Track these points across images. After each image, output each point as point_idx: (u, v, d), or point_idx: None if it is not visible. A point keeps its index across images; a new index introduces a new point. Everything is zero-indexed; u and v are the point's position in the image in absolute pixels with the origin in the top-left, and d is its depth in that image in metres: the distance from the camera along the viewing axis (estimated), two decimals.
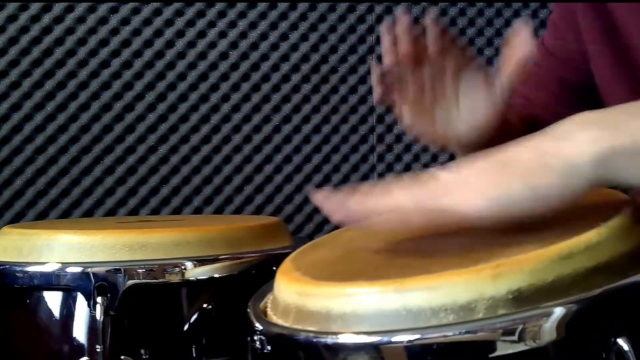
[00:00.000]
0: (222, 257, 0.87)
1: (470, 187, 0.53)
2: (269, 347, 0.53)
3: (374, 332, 0.47)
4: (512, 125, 0.94)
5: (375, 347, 0.46)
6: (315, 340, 0.49)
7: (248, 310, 0.58)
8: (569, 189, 0.51)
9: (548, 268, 0.47)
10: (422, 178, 0.57)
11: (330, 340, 0.48)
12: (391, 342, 0.46)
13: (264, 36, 1.44)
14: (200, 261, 0.85)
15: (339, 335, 0.48)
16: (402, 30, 0.78)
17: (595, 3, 0.88)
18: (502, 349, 0.45)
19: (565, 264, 0.47)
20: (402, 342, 0.46)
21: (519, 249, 0.49)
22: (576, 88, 0.97)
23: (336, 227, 1.55)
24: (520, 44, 0.73)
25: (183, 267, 0.84)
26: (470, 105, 0.81)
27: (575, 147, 0.50)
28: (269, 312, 0.57)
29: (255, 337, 0.54)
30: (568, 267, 0.47)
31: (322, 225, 1.48)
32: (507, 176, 0.52)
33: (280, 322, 0.54)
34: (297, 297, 0.53)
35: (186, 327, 0.84)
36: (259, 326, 0.54)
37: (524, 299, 0.46)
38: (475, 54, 0.84)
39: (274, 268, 0.88)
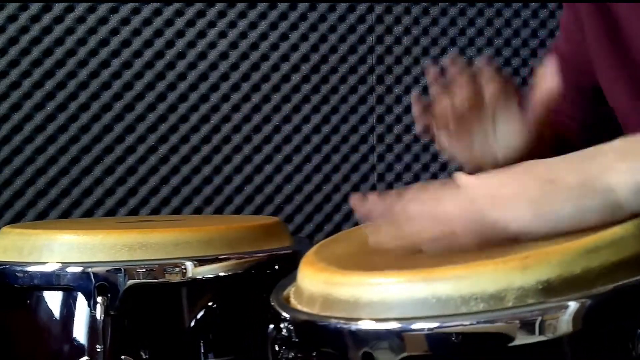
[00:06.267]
0: (222, 257, 0.87)
1: (518, 201, 0.55)
2: (295, 335, 0.54)
3: (397, 318, 0.48)
4: (544, 138, 0.95)
5: (397, 334, 0.48)
6: (344, 326, 0.50)
7: (272, 301, 0.59)
8: (610, 215, 0.54)
9: (576, 260, 0.48)
10: (465, 188, 0.58)
11: (358, 326, 0.49)
12: (412, 330, 0.47)
13: (264, 36, 1.44)
14: (200, 261, 0.85)
15: (364, 322, 0.49)
16: (457, 76, 0.81)
17: (599, 4, 0.88)
18: (521, 339, 0.46)
19: (592, 257, 0.49)
20: (422, 329, 0.47)
21: (546, 242, 0.51)
22: (589, 93, 0.97)
23: (336, 228, 1.55)
24: (545, 77, 0.78)
25: (183, 267, 0.84)
26: (507, 130, 0.84)
27: (616, 178, 0.53)
28: (293, 301, 0.58)
29: (282, 326, 0.55)
30: (595, 260, 0.49)
31: (322, 225, 1.48)
32: (556, 195, 0.54)
33: (306, 310, 0.54)
34: (323, 286, 0.54)
35: (186, 326, 0.85)
36: (285, 314, 0.55)
37: (553, 289, 0.47)
38: (511, 78, 0.88)
39: (276, 267, 0.89)
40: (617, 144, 0.56)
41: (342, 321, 0.50)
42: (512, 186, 0.56)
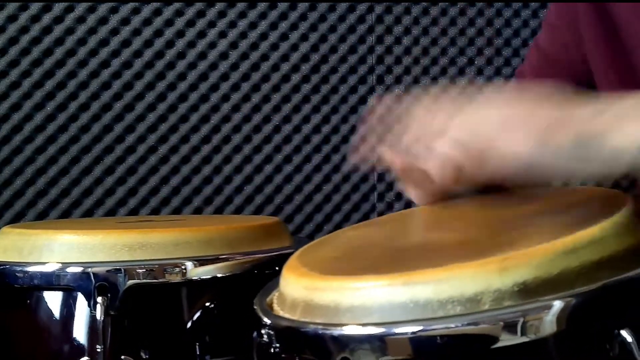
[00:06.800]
0: (222, 257, 0.87)
1: (526, 130, 0.55)
2: (276, 341, 0.53)
3: (379, 323, 0.48)
4: None
5: (380, 339, 0.47)
6: (324, 331, 0.49)
7: (254, 306, 0.59)
8: (611, 168, 0.55)
9: (554, 261, 0.48)
10: (475, 111, 0.58)
11: (338, 331, 0.49)
12: (395, 334, 0.47)
13: (264, 36, 1.44)
14: (200, 261, 0.85)
15: (345, 327, 0.49)
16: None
17: (597, 4, 0.88)
18: (505, 340, 0.46)
19: (570, 257, 0.49)
20: (406, 333, 0.47)
21: (525, 243, 0.51)
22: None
23: (336, 228, 1.56)
24: None
25: (183, 267, 0.83)
26: None
27: (624, 137, 0.54)
28: (276, 307, 0.58)
29: (263, 331, 0.55)
30: (573, 261, 0.49)
31: (322, 225, 1.48)
32: (564, 131, 0.54)
33: (287, 316, 0.54)
34: (305, 291, 0.54)
35: (186, 327, 0.85)
36: (266, 320, 0.55)
37: (529, 291, 0.47)
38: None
39: (276, 268, 0.89)
40: (627, 102, 0.56)
41: (321, 327, 0.50)
42: (521, 113, 0.56)
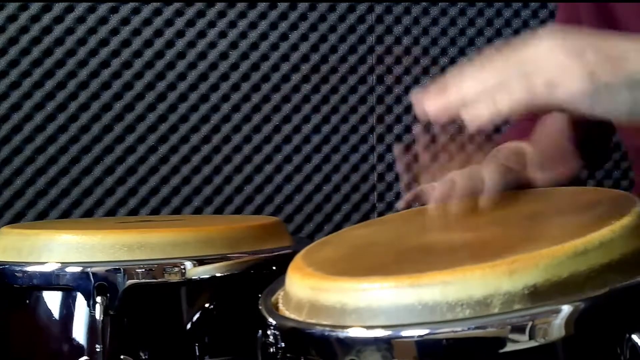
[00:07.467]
0: (222, 257, 0.87)
1: (581, 73, 0.54)
2: (282, 341, 0.53)
3: (386, 326, 0.47)
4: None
5: (386, 342, 0.47)
6: (331, 333, 0.49)
7: (259, 306, 0.58)
8: None
9: (563, 264, 0.48)
10: (530, 50, 0.57)
11: (344, 333, 0.49)
12: (402, 337, 0.47)
13: (264, 36, 1.44)
14: (199, 261, 0.85)
15: (351, 329, 0.48)
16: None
17: (599, 4, 0.87)
18: (513, 344, 0.45)
19: (580, 260, 0.48)
20: (412, 336, 0.47)
21: (534, 245, 0.50)
22: None
23: (336, 228, 1.55)
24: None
25: (182, 267, 0.84)
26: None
27: None
28: (281, 307, 0.58)
29: (268, 332, 0.54)
30: (583, 264, 0.48)
31: (322, 225, 1.48)
32: (620, 78, 0.54)
33: (293, 316, 0.54)
34: (310, 292, 0.53)
35: (186, 326, 0.84)
36: (272, 321, 0.55)
37: (539, 294, 0.47)
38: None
39: (276, 268, 0.89)
40: None
41: (328, 328, 0.50)
42: (580, 57, 0.55)
